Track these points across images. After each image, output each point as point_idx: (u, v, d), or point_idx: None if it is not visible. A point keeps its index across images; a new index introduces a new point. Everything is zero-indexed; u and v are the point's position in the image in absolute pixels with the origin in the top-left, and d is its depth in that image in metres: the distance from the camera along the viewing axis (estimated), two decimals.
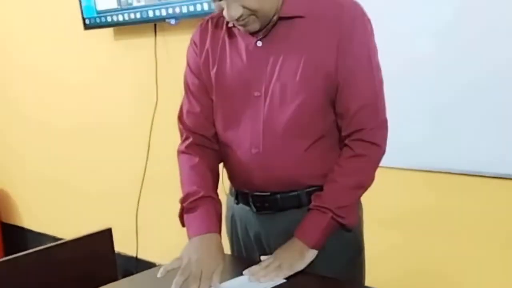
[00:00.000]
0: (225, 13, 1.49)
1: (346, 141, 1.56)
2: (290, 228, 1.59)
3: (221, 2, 1.48)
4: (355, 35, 1.52)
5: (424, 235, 2.34)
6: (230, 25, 1.58)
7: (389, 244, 2.38)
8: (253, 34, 1.57)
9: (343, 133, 1.57)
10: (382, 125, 1.58)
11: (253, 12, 1.48)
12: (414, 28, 2.19)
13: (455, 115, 2.17)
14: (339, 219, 1.55)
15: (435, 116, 2.22)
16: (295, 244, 1.55)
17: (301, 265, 1.53)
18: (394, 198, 2.37)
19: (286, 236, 1.60)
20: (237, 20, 1.49)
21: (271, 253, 1.59)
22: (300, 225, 1.57)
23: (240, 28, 1.54)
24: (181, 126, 1.71)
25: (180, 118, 1.71)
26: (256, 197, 1.63)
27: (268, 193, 1.61)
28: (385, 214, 2.36)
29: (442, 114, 2.20)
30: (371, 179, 1.60)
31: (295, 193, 1.60)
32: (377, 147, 1.57)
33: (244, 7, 1.47)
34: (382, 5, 2.20)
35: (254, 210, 1.64)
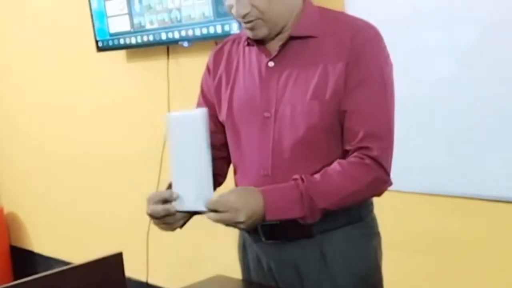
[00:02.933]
0: (233, 10, 1.49)
1: (356, 153, 1.49)
2: (300, 259, 1.55)
3: None
4: (367, 57, 1.49)
5: (445, 261, 2.29)
6: (243, 27, 1.54)
7: (406, 271, 2.33)
8: (266, 54, 1.56)
9: (350, 148, 1.50)
10: (390, 151, 1.52)
11: (261, 14, 1.47)
12: (434, 49, 2.16)
13: (476, 139, 2.12)
14: (309, 219, 1.46)
15: (455, 140, 2.16)
16: (259, 209, 1.42)
17: (243, 228, 1.45)
18: (413, 223, 2.33)
19: (296, 267, 1.56)
20: (244, 17, 1.48)
21: (281, 284, 1.56)
22: (276, 195, 1.45)
23: (249, 33, 1.53)
24: None
25: None
26: (265, 226, 1.57)
27: (277, 222, 1.54)
28: (403, 239, 2.32)
29: (462, 138, 2.14)
30: (362, 198, 1.52)
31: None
32: (385, 173, 1.50)
33: (252, 5, 1.46)
34: (401, 26, 2.18)
35: (264, 239, 1.60)
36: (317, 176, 1.47)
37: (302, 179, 1.46)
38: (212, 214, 1.41)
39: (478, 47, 2.07)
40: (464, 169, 2.15)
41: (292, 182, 1.47)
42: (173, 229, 1.53)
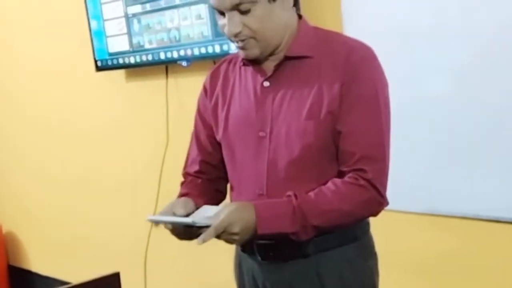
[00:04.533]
0: (225, 29, 1.50)
1: (351, 174, 1.49)
2: (296, 279, 1.54)
3: (224, 18, 1.49)
4: (362, 78, 1.50)
5: (443, 282, 2.27)
6: (239, 50, 1.56)
7: None
8: (261, 74, 1.57)
9: (345, 169, 1.50)
10: (385, 173, 1.52)
11: (253, 34, 1.48)
12: (432, 66, 2.16)
13: (475, 159, 2.10)
14: (302, 236, 1.47)
15: (455, 160, 2.15)
16: (252, 223, 1.43)
17: (238, 241, 1.46)
18: (412, 243, 2.31)
19: (291, 287, 1.55)
20: (236, 36, 1.49)
21: None
22: (268, 209, 1.46)
23: (241, 52, 1.54)
24: (184, 174, 1.73)
25: (185, 168, 1.74)
26: (261, 245, 1.58)
27: (273, 241, 1.55)
28: (405, 260, 2.31)
29: (462, 158, 2.13)
30: (356, 218, 1.52)
31: (301, 242, 1.52)
32: (379, 195, 1.50)
33: (244, 24, 1.47)
34: (398, 43, 2.19)
35: (259, 259, 1.60)
36: (311, 194, 1.48)
37: (295, 196, 1.47)
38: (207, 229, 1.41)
39: (476, 63, 2.06)
40: (464, 189, 2.14)
41: (285, 198, 1.48)
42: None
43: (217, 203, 1.68)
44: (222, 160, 1.67)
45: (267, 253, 1.58)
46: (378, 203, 1.51)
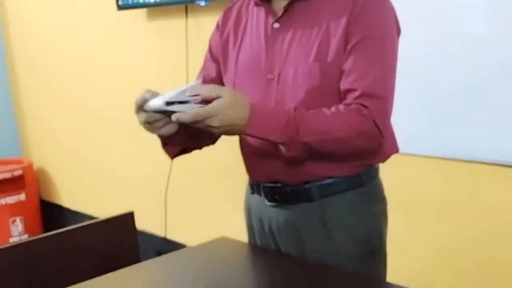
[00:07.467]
0: None
1: (354, 105, 1.43)
2: (301, 222, 1.56)
3: None
4: (368, 16, 1.46)
5: (444, 222, 2.30)
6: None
7: (408, 233, 2.34)
8: (272, 15, 1.55)
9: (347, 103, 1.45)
10: (386, 112, 1.48)
11: None
12: (439, 7, 2.11)
13: (483, 103, 2.08)
14: (291, 150, 1.42)
15: (462, 104, 2.13)
16: (240, 121, 1.38)
17: (219, 132, 1.42)
18: (415, 185, 2.32)
19: (296, 230, 1.57)
20: None
21: (282, 246, 1.59)
22: (264, 114, 1.42)
23: None
24: None
25: None
26: (268, 188, 1.60)
27: (279, 185, 1.57)
28: (412, 203, 2.33)
29: (461, 102, 2.11)
30: (352, 147, 1.46)
31: (306, 186, 1.54)
32: (379, 132, 1.44)
33: None
34: None
35: (266, 201, 1.62)
36: (311, 111, 1.44)
37: (295, 109, 1.43)
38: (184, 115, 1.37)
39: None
40: (472, 133, 2.13)
41: (285, 109, 1.45)
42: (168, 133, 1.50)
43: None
44: None
45: (273, 195, 1.59)
46: (375, 139, 1.46)
